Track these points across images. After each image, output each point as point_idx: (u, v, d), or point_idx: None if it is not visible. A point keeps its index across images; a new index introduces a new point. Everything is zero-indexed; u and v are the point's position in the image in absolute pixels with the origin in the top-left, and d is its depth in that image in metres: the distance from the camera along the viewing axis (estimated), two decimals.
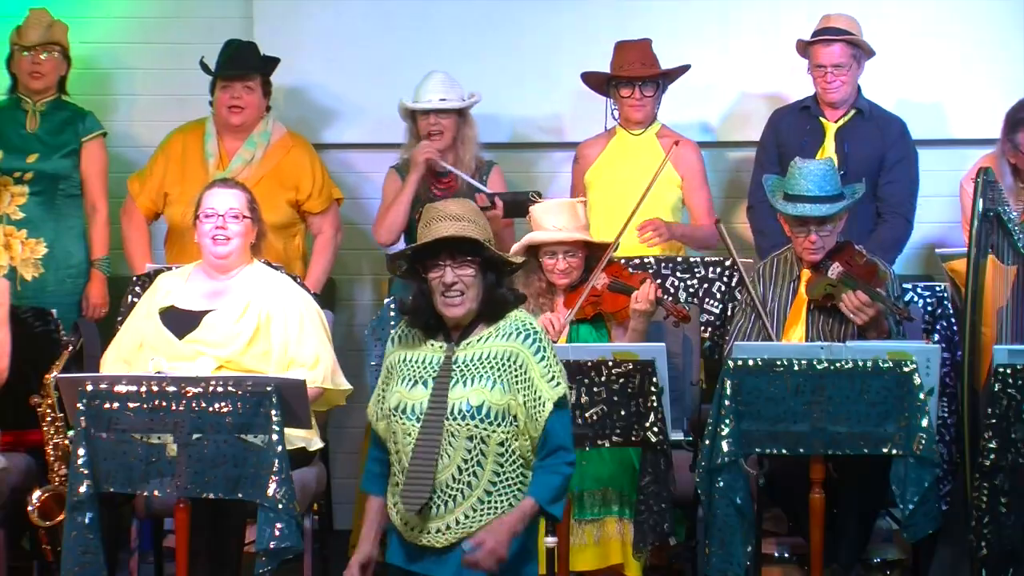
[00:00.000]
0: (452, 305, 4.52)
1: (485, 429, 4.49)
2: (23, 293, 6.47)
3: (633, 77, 6.56)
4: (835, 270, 5.74)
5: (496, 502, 4.51)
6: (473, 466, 4.49)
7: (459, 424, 4.48)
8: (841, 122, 6.54)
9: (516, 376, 4.53)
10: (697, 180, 6.64)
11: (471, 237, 4.50)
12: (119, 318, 6.05)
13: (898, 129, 6.58)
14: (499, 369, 4.52)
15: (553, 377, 4.55)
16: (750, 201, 6.67)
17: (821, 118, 6.55)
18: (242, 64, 6.62)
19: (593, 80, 6.70)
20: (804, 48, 6.56)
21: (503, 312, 4.58)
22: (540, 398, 4.52)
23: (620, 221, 6.31)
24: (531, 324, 4.60)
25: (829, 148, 6.48)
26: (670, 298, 6.01)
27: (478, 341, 4.56)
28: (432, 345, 4.58)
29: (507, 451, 4.52)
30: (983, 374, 5.63)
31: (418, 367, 4.56)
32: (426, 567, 4.53)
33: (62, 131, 6.71)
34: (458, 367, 4.53)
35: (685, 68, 6.65)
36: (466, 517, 4.49)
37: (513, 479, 4.54)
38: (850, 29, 6.49)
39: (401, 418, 4.52)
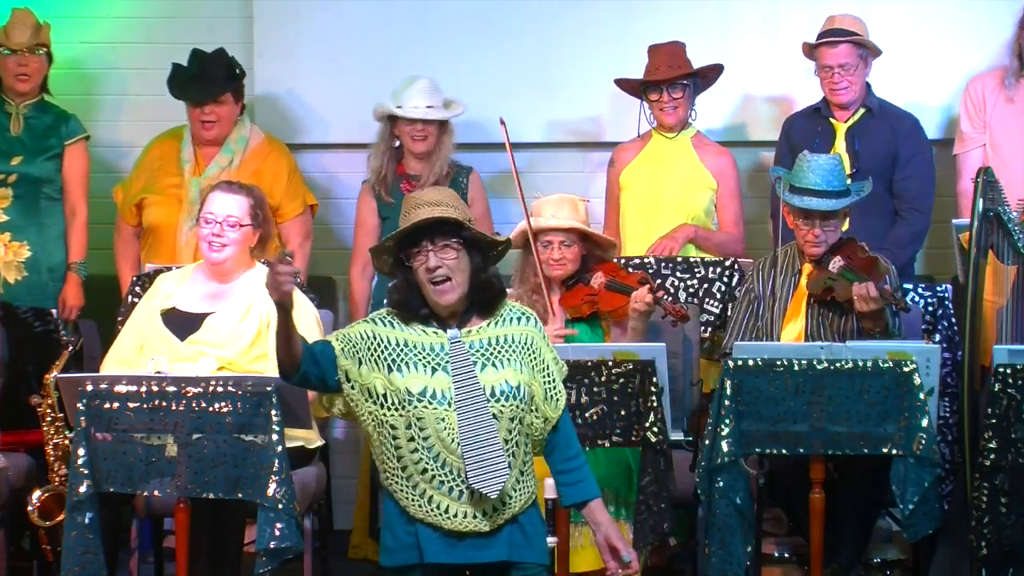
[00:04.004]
0: (443, 292, 4.48)
1: (523, 409, 4.50)
2: (5, 296, 6.45)
3: (660, 80, 6.57)
4: (836, 264, 5.74)
5: (527, 482, 4.53)
6: (513, 446, 4.49)
7: (504, 405, 4.46)
8: (851, 121, 6.54)
9: (534, 358, 4.56)
10: (730, 189, 6.66)
11: (450, 218, 4.48)
12: (119, 318, 6.05)
13: (910, 125, 6.59)
14: (519, 352, 4.53)
15: (556, 359, 4.64)
16: (773, 210, 6.64)
17: (831, 119, 6.56)
18: (207, 85, 6.59)
19: (627, 85, 6.71)
20: (810, 51, 6.56)
21: (494, 299, 4.57)
22: (554, 381, 4.58)
23: (652, 223, 6.43)
24: (528, 309, 4.65)
25: (840, 148, 6.48)
26: (669, 298, 6.00)
27: (485, 327, 4.54)
28: (427, 332, 4.53)
29: (530, 431, 4.55)
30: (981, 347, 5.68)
31: (427, 354, 4.50)
32: (468, 554, 4.48)
33: (47, 135, 6.68)
34: (477, 351, 4.51)
35: (717, 68, 6.65)
36: (509, 498, 4.48)
37: (530, 459, 4.57)
38: (855, 29, 6.48)
39: (431, 404, 4.45)
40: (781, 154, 6.64)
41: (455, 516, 4.46)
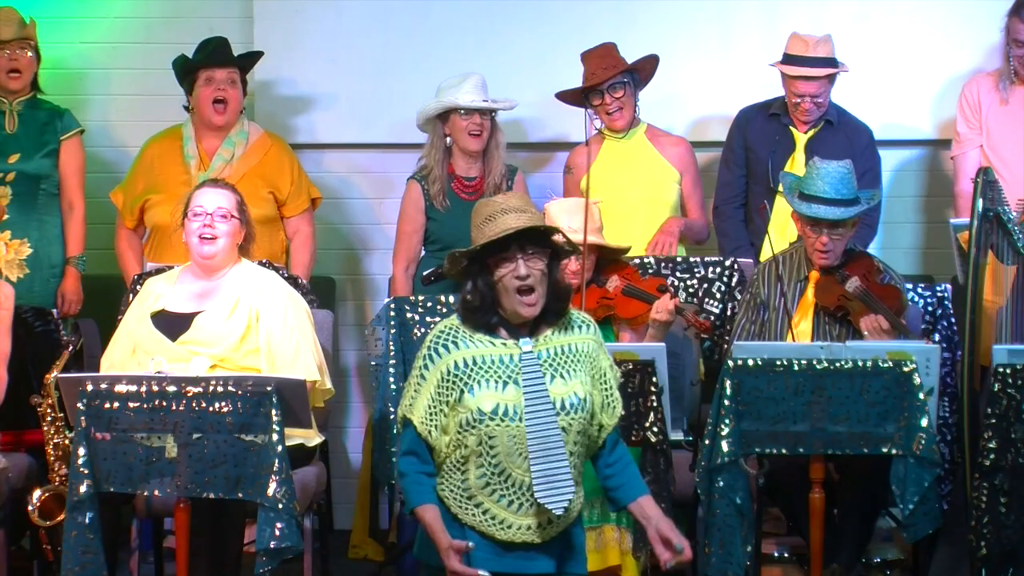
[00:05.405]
0: (528, 305, 4.39)
1: (588, 421, 4.45)
2: None
3: (597, 84, 6.56)
4: (853, 284, 5.72)
5: (580, 492, 4.48)
6: (576, 459, 4.44)
7: (573, 418, 4.41)
8: (811, 133, 6.52)
9: (594, 368, 4.50)
10: (692, 177, 6.67)
11: (552, 227, 4.45)
12: (119, 317, 6.04)
13: (865, 139, 6.57)
14: (584, 361, 4.47)
15: (612, 365, 4.57)
16: (716, 202, 6.67)
17: (791, 127, 6.53)
18: (225, 56, 6.61)
19: (568, 96, 6.68)
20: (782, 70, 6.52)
21: (565, 307, 4.49)
22: (611, 388, 4.52)
23: (619, 225, 6.34)
24: (588, 317, 4.58)
25: (799, 159, 6.44)
26: (694, 308, 5.95)
27: (552, 335, 4.47)
28: (498, 344, 4.44)
29: (590, 442, 4.50)
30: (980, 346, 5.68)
31: (498, 368, 4.42)
32: (516, 564, 4.43)
33: (42, 131, 6.67)
34: (547, 363, 4.44)
35: (652, 59, 6.63)
36: (565, 510, 4.42)
37: (582, 470, 4.52)
38: (828, 53, 6.41)
39: (503, 421, 4.38)
40: (733, 150, 6.62)
41: (509, 528, 4.42)
